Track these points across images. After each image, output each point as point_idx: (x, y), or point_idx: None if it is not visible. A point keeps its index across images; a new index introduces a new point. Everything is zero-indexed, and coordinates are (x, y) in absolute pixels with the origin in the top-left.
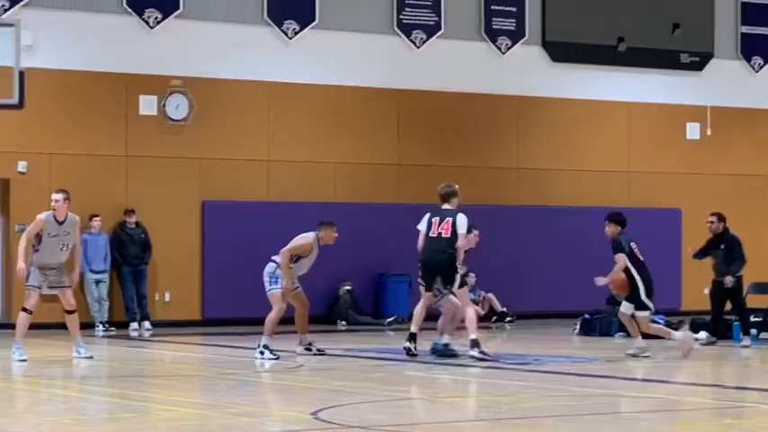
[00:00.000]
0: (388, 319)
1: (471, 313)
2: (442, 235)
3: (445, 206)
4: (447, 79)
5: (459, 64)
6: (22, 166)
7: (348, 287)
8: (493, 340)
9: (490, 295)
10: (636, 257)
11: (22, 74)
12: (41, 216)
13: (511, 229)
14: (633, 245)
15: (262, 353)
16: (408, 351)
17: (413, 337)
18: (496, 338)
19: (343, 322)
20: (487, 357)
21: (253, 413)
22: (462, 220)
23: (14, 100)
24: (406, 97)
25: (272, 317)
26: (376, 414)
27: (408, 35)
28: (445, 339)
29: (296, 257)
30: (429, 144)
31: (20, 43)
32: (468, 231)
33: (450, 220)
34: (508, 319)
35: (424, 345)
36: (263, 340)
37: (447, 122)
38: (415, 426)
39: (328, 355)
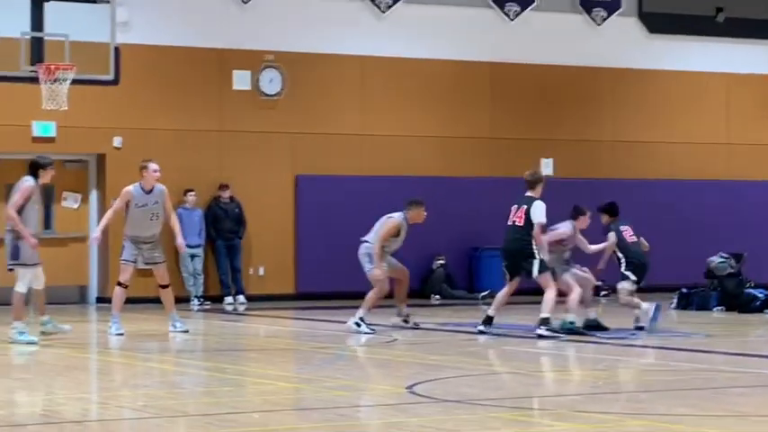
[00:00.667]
0: (482, 294)
1: (551, 295)
2: (516, 223)
3: (529, 193)
4: (541, 52)
5: (554, 36)
6: (117, 141)
7: (442, 261)
8: (588, 315)
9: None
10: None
11: (117, 50)
12: (128, 188)
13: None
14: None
15: (358, 324)
16: (481, 333)
17: (489, 321)
18: (592, 313)
19: (437, 296)
20: (556, 335)
21: (348, 387)
22: (537, 209)
23: (110, 76)
24: (499, 70)
25: (372, 295)
26: (470, 388)
27: (502, 7)
28: (570, 317)
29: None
30: (522, 117)
31: (115, 20)
32: (581, 214)
33: (524, 208)
34: (603, 292)
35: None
36: (360, 313)
37: (541, 95)
38: (510, 400)
39: (423, 329)
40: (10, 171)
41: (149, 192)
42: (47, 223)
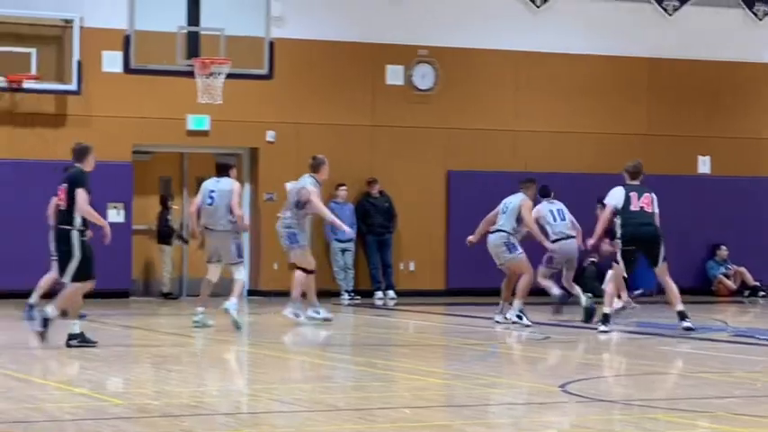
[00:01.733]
0: (635, 292)
1: (610, 290)
2: (645, 209)
3: (633, 182)
4: (700, 47)
5: (713, 31)
6: (270, 135)
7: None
8: (745, 315)
9: (742, 269)
10: None
11: (271, 44)
12: (313, 188)
13: (765, 202)
14: None
15: (519, 317)
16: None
17: (606, 319)
18: (749, 313)
19: (589, 294)
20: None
21: (499, 384)
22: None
23: (264, 70)
24: (657, 66)
25: (525, 283)
26: (625, 388)
27: (660, 2)
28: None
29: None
30: (680, 114)
31: (270, 15)
32: None
33: (648, 196)
34: (761, 293)
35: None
36: (517, 305)
37: (699, 92)
38: (666, 401)
39: (575, 327)
40: (166, 163)
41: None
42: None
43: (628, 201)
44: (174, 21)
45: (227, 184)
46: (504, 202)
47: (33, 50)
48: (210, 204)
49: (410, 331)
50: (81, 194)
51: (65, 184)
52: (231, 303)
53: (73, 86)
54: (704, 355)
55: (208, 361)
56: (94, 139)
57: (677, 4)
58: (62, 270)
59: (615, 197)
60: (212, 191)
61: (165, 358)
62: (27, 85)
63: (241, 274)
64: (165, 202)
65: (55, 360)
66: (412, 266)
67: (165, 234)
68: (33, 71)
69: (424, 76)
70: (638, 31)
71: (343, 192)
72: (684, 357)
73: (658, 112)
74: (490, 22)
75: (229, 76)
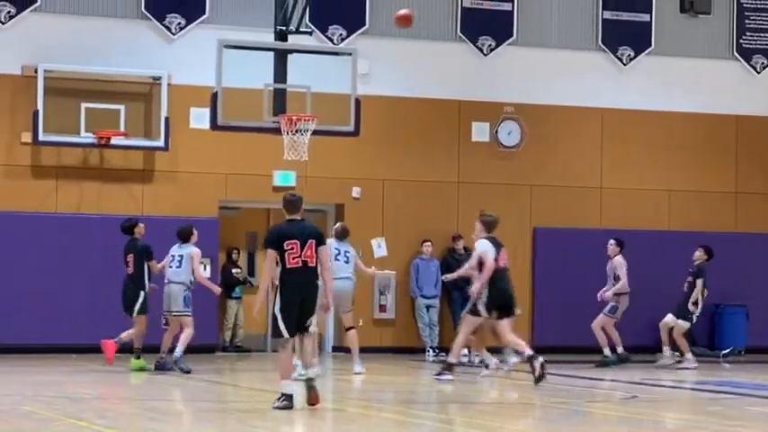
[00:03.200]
0: (724, 351)
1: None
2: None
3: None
4: None
5: None
6: (356, 191)
7: None
8: None
9: None
10: None
11: (357, 101)
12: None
13: None
14: None
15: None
16: None
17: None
18: None
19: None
20: None
21: None
22: None
23: (350, 127)
24: (745, 123)
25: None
26: None
27: (749, 60)
28: None
29: None
30: None
31: (356, 71)
32: None
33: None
34: None
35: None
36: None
37: None
38: None
39: (663, 386)
40: (253, 219)
41: None
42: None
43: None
44: (261, 78)
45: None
46: None
47: (122, 107)
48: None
49: (495, 390)
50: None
51: None
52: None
53: (160, 143)
54: None
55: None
56: (182, 195)
57: (765, 61)
58: None
59: None
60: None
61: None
62: (115, 141)
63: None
64: (230, 256)
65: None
66: None
67: (229, 285)
68: (122, 128)
69: (509, 133)
70: (725, 88)
71: (428, 248)
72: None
73: (747, 170)
74: (576, 78)
75: (315, 132)
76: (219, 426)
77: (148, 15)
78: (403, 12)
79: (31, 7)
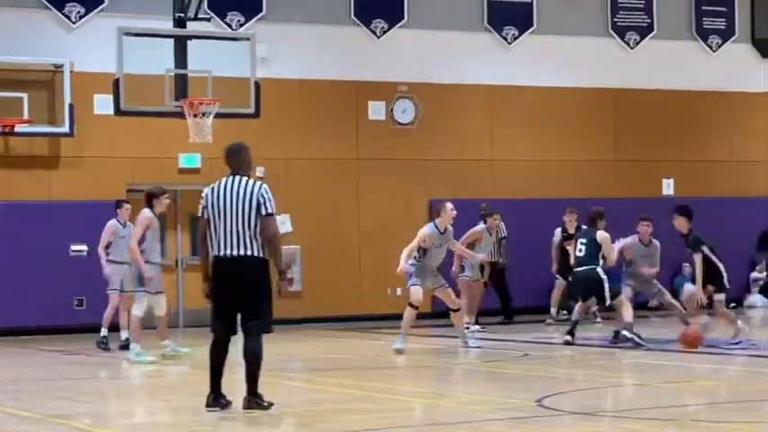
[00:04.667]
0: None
1: None
2: None
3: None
4: (660, 78)
5: (672, 63)
6: (260, 171)
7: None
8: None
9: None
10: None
11: (257, 84)
12: (426, 230)
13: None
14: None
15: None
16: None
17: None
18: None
19: (564, 311)
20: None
21: (480, 401)
22: None
23: (251, 109)
24: (622, 96)
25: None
26: (597, 400)
27: (623, 37)
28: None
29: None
30: (644, 140)
31: (255, 56)
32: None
33: None
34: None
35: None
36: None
37: (661, 119)
38: (635, 411)
39: (552, 343)
40: None
41: (443, 232)
42: (194, 250)
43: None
44: (163, 64)
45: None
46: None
47: (25, 95)
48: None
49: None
50: None
51: None
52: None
53: (65, 129)
54: (674, 366)
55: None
56: (88, 180)
57: (638, 38)
58: None
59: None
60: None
61: (160, 388)
62: (20, 128)
63: (135, 308)
64: None
65: None
66: (399, 292)
67: None
68: (26, 115)
69: (404, 111)
70: (603, 64)
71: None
72: (654, 369)
73: (624, 139)
74: (465, 58)
75: (218, 115)
76: (126, 401)
77: (48, 5)
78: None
79: None
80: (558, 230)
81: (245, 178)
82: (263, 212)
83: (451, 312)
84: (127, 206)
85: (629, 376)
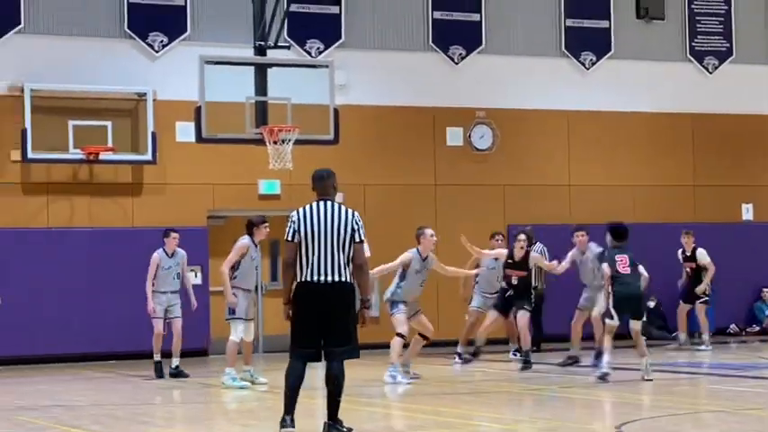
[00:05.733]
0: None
1: None
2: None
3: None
4: (738, 102)
5: (749, 87)
6: (339, 197)
7: (652, 303)
8: None
9: None
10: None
11: (336, 111)
12: (408, 254)
13: None
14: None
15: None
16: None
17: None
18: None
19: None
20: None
21: (557, 427)
22: None
23: (330, 136)
24: (699, 121)
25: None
26: (676, 426)
27: (701, 61)
28: None
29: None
30: (723, 165)
31: (334, 83)
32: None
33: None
34: None
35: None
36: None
37: (739, 144)
38: None
39: (630, 369)
40: (239, 227)
41: (425, 259)
42: (274, 275)
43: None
44: (243, 91)
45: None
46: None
47: (109, 123)
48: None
49: (476, 380)
50: None
51: None
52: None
53: (148, 156)
54: (756, 393)
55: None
56: (170, 206)
57: (716, 62)
58: None
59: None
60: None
61: (239, 413)
62: (104, 156)
63: (232, 334)
64: None
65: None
66: None
67: None
68: (110, 143)
69: (482, 137)
70: (681, 89)
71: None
72: (736, 396)
73: (702, 164)
74: (542, 83)
75: (298, 142)
76: (207, 426)
77: (131, 34)
78: None
79: (16, 29)
80: (679, 252)
81: (336, 204)
82: (357, 239)
83: (420, 337)
84: (174, 235)
85: (708, 403)
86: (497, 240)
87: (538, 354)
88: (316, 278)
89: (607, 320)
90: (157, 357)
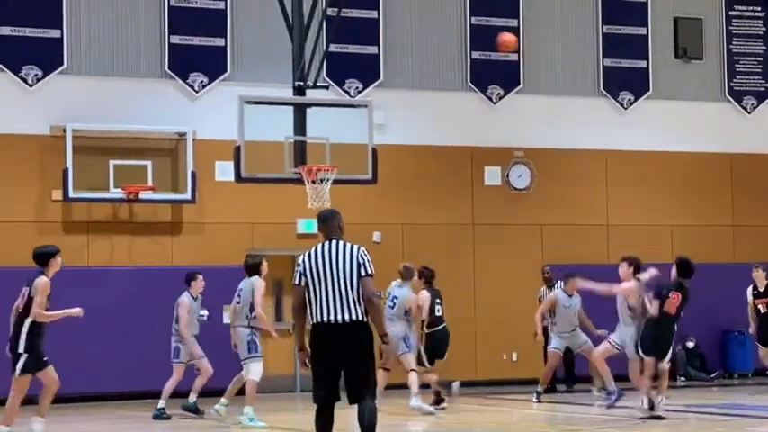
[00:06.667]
0: (713, 375)
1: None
2: None
3: None
4: None
5: None
6: (376, 236)
7: (691, 343)
8: None
9: None
10: None
11: (374, 151)
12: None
13: None
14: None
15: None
16: None
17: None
18: None
19: (682, 378)
20: None
21: None
22: None
23: (368, 175)
24: (738, 161)
25: None
26: None
27: (740, 101)
28: None
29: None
30: (763, 205)
31: (372, 122)
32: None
33: None
34: None
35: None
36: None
37: None
38: None
39: (671, 409)
40: (278, 266)
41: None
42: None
43: None
44: (282, 131)
45: (250, 283)
46: None
47: (149, 163)
48: (238, 303)
49: (513, 422)
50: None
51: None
52: (245, 412)
53: (187, 196)
54: None
55: None
56: (209, 245)
57: (755, 102)
58: None
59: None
60: (240, 289)
61: None
62: (144, 195)
63: (250, 373)
64: None
65: None
66: (515, 357)
67: None
68: (150, 182)
69: (520, 176)
70: (719, 129)
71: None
72: None
73: (742, 205)
74: (581, 123)
75: (336, 182)
76: None
77: (172, 75)
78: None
79: (58, 70)
80: (750, 289)
81: (341, 241)
82: (363, 273)
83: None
84: (200, 277)
85: None
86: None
87: (571, 394)
88: (326, 318)
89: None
90: (163, 403)
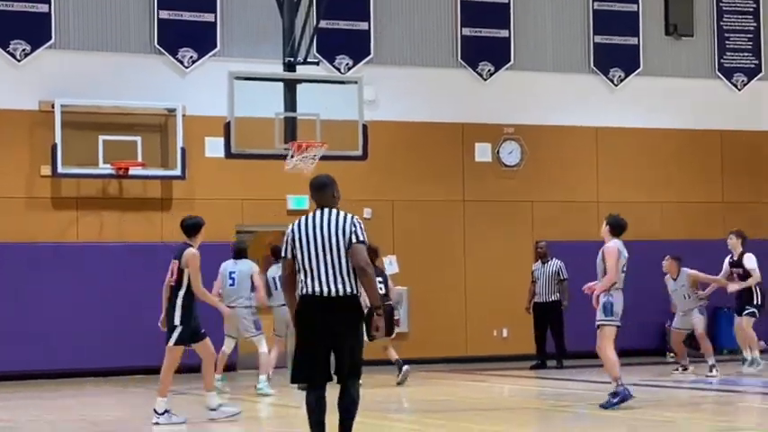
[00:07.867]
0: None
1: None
2: None
3: None
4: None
5: None
6: (367, 212)
7: None
8: None
9: None
10: None
11: (365, 127)
12: None
13: None
14: None
15: None
16: None
17: None
18: None
19: (671, 355)
20: None
21: None
22: None
23: (359, 151)
24: (728, 137)
25: None
26: None
27: (730, 78)
28: None
29: None
30: (752, 182)
31: (362, 98)
32: None
33: None
34: None
35: None
36: None
37: None
38: None
39: (660, 386)
40: (268, 242)
41: None
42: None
43: None
44: (272, 107)
45: (247, 265)
46: None
47: (139, 139)
48: (232, 285)
49: (504, 396)
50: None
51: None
52: (261, 381)
53: (177, 172)
54: None
55: None
56: None
57: (745, 79)
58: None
59: None
60: (232, 272)
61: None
62: (133, 171)
63: (262, 346)
64: None
65: None
66: (505, 333)
67: None
68: (139, 158)
69: (510, 153)
70: (709, 106)
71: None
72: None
73: (732, 181)
74: (571, 100)
75: (326, 158)
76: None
77: (162, 50)
78: None
79: (46, 44)
80: (727, 259)
81: (334, 210)
82: (354, 240)
83: None
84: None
85: (743, 420)
86: None
87: (563, 370)
88: (317, 289)
89: None
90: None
